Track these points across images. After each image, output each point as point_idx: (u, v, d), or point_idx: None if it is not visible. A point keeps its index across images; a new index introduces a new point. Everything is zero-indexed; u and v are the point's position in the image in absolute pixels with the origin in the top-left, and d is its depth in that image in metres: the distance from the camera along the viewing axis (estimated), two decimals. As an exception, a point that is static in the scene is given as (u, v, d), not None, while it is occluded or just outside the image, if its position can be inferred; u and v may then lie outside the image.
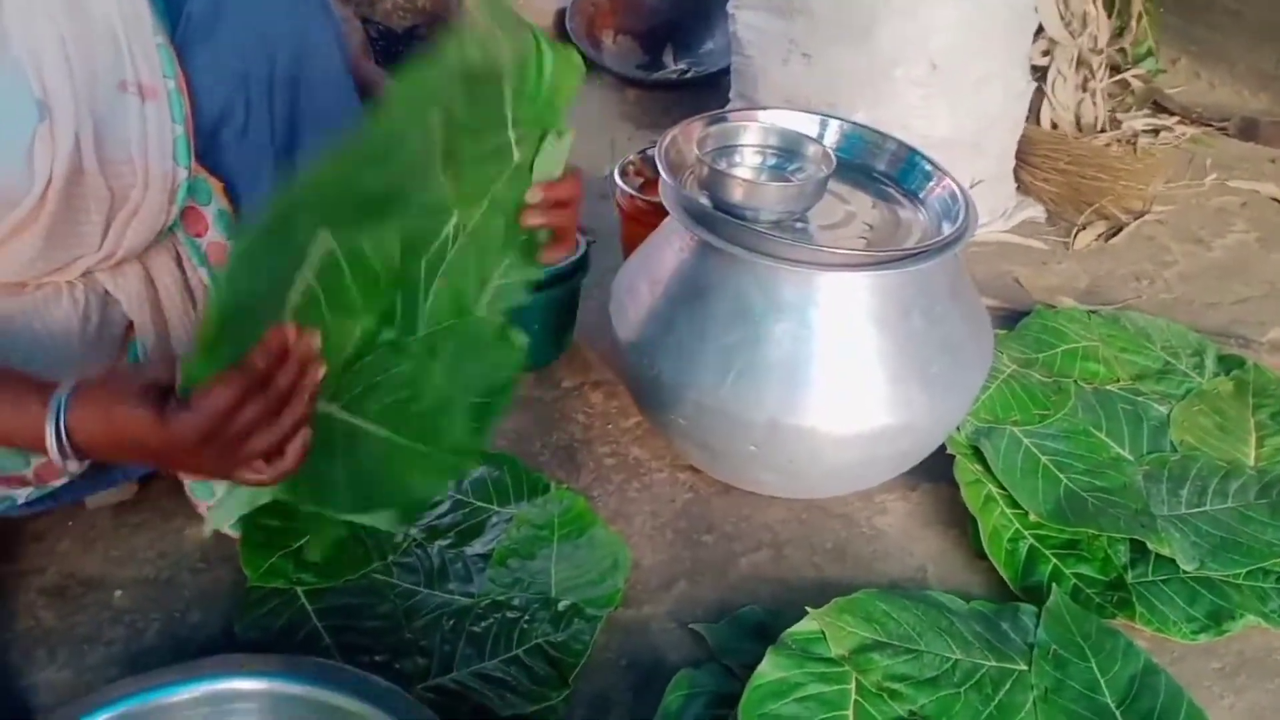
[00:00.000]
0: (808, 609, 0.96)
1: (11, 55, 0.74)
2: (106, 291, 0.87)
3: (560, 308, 1.37)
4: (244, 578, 1.03)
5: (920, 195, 1.12)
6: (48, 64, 0.75)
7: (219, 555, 1.08)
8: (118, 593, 1.03)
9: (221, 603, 1.03)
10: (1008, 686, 0.91)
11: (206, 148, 0.88)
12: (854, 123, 1.18)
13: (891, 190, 1.15)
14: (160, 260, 0.89)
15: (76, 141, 0.77)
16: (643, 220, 1.39)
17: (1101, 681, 0.92)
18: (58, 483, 0.88)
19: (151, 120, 0.81)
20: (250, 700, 0.83)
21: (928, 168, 1.12)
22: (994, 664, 0.93)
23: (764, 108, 1.31)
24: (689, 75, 2.44)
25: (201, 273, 0.91)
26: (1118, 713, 0.90)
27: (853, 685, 0.90)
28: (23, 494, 0.87)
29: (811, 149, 1.11)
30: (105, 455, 0.73)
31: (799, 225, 1.07)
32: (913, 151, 1.14)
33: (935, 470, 1.17)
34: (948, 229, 1.04)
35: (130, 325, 0.90)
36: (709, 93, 2.20)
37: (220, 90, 0.87)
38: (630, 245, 1.46)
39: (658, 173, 1.50)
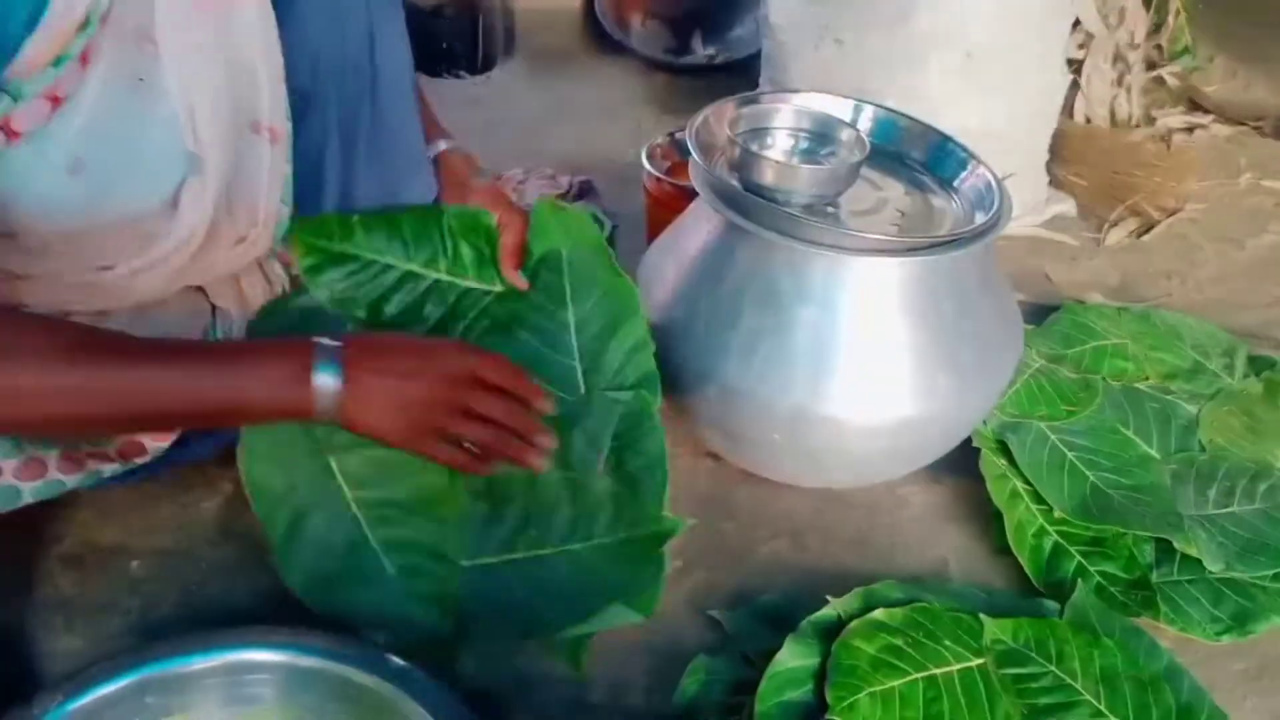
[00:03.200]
0: (828, 598, 0.96)
1: (167, 109, 0.75)
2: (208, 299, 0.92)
3: (584, 290, 1.36)
4: (260, 553, 1.03)
5: (954, 184, 1.11)
6: (201, 113, 0.76)
7: (236, 529, 1.08)
8: (135, 563, 1.03)
9: (238, 576, 1.03)
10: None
11: None
12: (888, 108, 1.17)
13: (924, 178, 1.13)
14: (253, 274, 0.95)
15: (219, 191, 0.79)
16: (669, 204, 1.38)
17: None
18: (140, 460, 0.91)
19: (276, 162, 0.82)
20: (266, 671, 0.82)
21: (962, 156, 1.11)
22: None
23: (795, 90, 1.29)
24: (717, 61, 2.42)
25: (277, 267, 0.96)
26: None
27: (872, 676, 0.89)
28: (108, 469, 0.90)
29: (845, 133, 1.09)
30: (371, 377, 0.79)
31: (830, 210, 1.05)
32: (947, 139, 1.12)
33: (959, 464, 1.16)
34: (981, 218, 1.03)
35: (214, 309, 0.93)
36: (737, 78, 2.19)
37: (292, 71, 0.87)
38: (656, 229, 1.45)
39: (685, 156, 1.49)
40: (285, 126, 0.82)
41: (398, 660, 0.81)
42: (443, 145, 1.08)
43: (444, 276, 0.98)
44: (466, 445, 0.84)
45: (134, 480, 0.99)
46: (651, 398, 0.98)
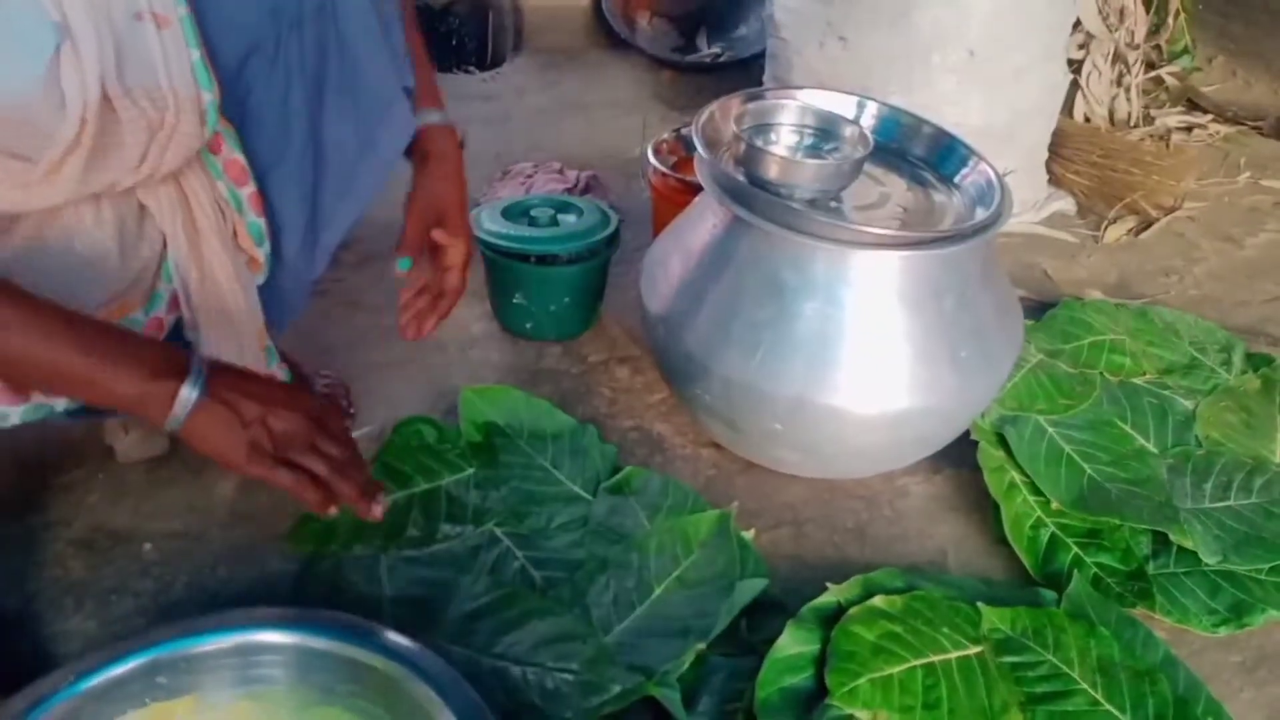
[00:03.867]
0: (828, 585, 0.97)
1: None
2: (141, 207, 0.89)
3: (590, 281, 1.38)
4: (271, 534, 1.05)
5: (955, 180, 1.12)
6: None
7: (248, 511, 1.09)
8: (146, 546, 1.05)
9: (249, 559, 1.04)
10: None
11: (235, 76, 0.88)
12: (891, 105, 1.18)
13: (926, 174, 1.15)
14: (192, 174, 0.90)
15: (100, 69, 0.77)
16: (674, 199, 1.40)
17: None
18: None
19: (170, 47, 0.81)
20: (277, 653, 0.84)
21: (964, 152, 1.12)
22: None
23: (799, 87, 1.31)
24: (722, 59, 2.44)
25: (221, 186, 0.93)
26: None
27: (872, 662, 0.90)
28: (60, 404, 0.88)
29: (848, 130, 1.11)
30: (227, 401, 0.84)
31: (833, 205, 1.07)
32: (949, 136, 1.14)
33: (958, 455, 1.17)
34: (982, 214, 1.04)
35: (164, 244, 0.91)
36: (742, 77, 2.21)
37: (250, 20, 0.88)
38: (661, 224, 1.47)
39: (690, 152, 1.51)
40: (174, 12, 0.80)
41: (405, 641, 0.83)
42: (434, 118, 1.06)
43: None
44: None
45: (83, 418, 0.96)
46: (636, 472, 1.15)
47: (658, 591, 0.99)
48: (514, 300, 1.36)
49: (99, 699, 0.78)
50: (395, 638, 0.83)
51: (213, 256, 0.93)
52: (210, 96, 0.85)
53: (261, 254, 0.97)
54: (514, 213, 1.38)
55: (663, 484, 1.13)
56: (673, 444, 1.23)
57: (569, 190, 1.70)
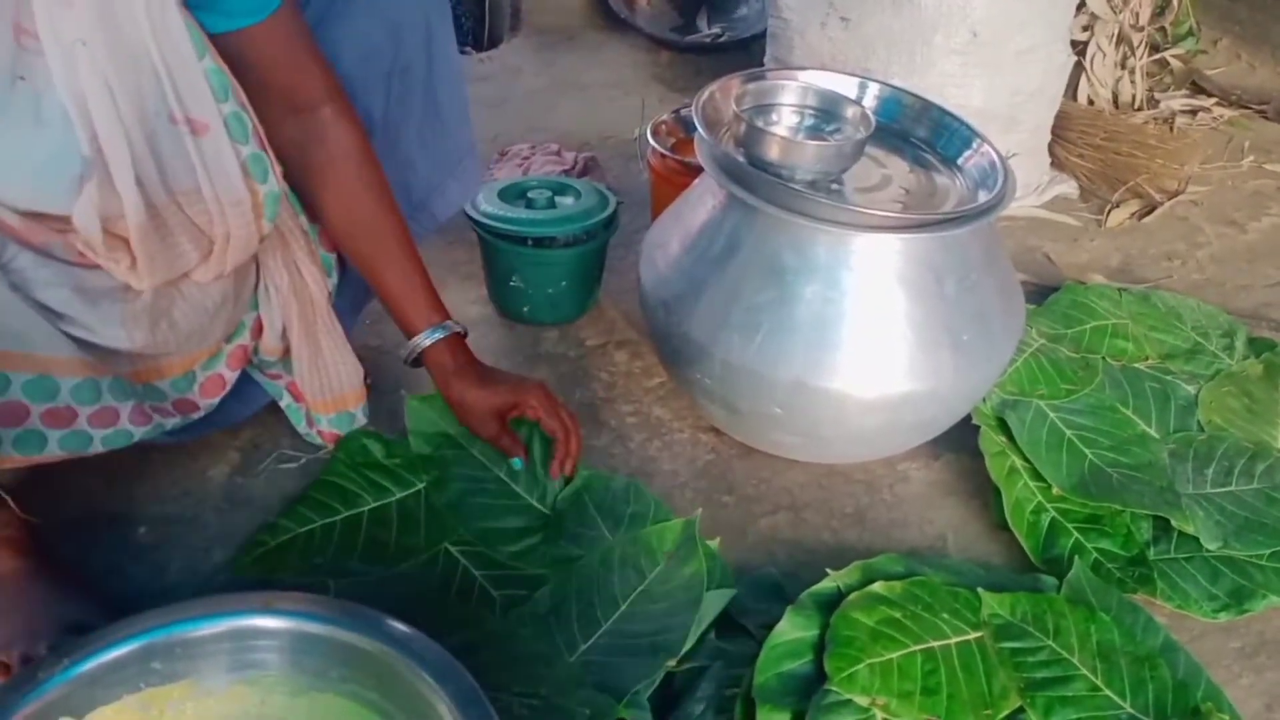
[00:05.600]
0: (827, 571, 0.96)
1: (54, 108, 0.73)
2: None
3: (588, 264, 1.37)
4: (266, 520, 1.04)
5: (958, 162, 1.11)
6: (96, 113, 0.74)
7: (242, 497, 1.09)
8: (141, 529, 1.04)
9: (243, 543, 1.03)
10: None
11: None
12: (893, 86, 1.17)
13: (929, 156, 1.13)
14: (286, 214, 0.96)
15: (139, 181, 0.78)
16: (674, 180, 1.38)
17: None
18: (195, 415, 0.98)
19: (209, 153, 0.81)
20: (272, 638, 0.83)
21: (966, 134, 1.11)
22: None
23: (801, 67, 1.29)
24: (722, 39, 2.42)
25: (303, 220, 1.00)
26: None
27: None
28: (170, 423, 0.95)
29: (850, 110, 1.09)
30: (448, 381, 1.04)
31: (834, 187, 1.06)
32: (952, 117, 1.12)
33: (958, 440, 1.16)
34: (984, 196, 1.03)
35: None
36: (742, 57, 2.19)
37: (343, 66, 0.93)
38: (660, 205, 1.46)
39: (690, 133, 1.49)
40: (215, 113, 0.80)
41: (400, 626, 0.82)
42: (438, 334, 1.03)
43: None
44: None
45: (188, 436, 1.05)
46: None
47: (623, 608, 0.94)
48: (510, 284, 1.35)
49: (92, 684, 0.77)
50: (392, 623, 0.82)
51: (306, 287, 1.01)
52: (268, 189, 0.86)
53: (330, 284, 1.04)
54: (511, 194, 1.37)
55: (624, 488, 1.08)
56: (670, 428, 1.23)
57: (566, 172, 1.69)
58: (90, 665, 0.77)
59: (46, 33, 0.71)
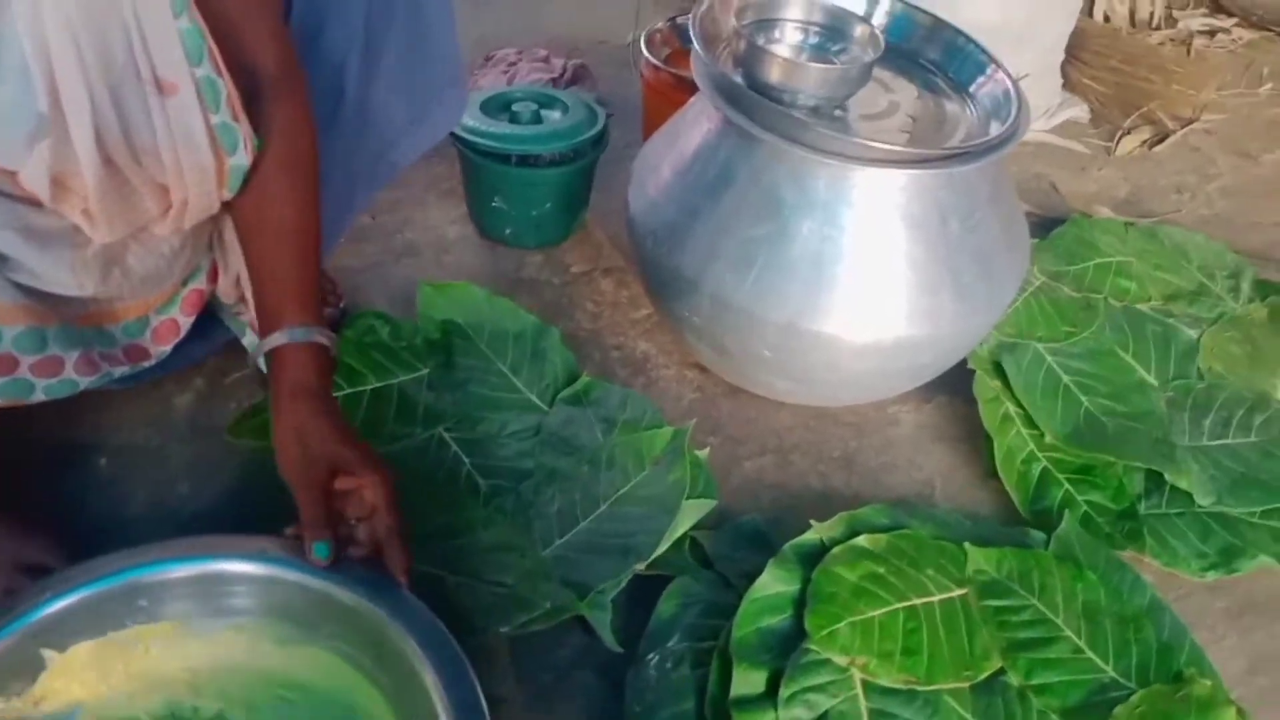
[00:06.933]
0: (811, 522, 0.93)
1: (16, 60, 0.67)
2: None
3: (573, 185, 1.30)
4: (233, 450, 1.00)
5: (970, 89, 1.04)
6: (59, 64, 0.68)
7: (209, 426, 1.04)
8: (102, 460, 1.00)
9: (210, 475, 1.00)
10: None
11: (295, 31, 0.86)
12: (905, 3, 1.08)
13: (939, 81, 1.06)
14: None
15: (99, 137, 0.72)
16: (668, 95, 1.31)
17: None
18: (146, 364, 0.93)
19: (174, 116, 0.74)
20: (242, 583, 0.80)
21: (981, 59, 1.03)
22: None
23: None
24: (721, -64, 2.28)
25: None
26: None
27: (853, 603, 0.87)
28: (118, 371, 0.89)
29: (859, 29, 1.02)
30: (281, 407, 0.80)
31: (838, 113, 0.99)
32: (966, 39, 1.05)
33: (951, 383, 1.12)
34: (996, 129, 0.96)
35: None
36: (743, -43, 2.06)
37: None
38: (652, 121, 1.38)
39: (686, 44, 1.40)
40: (186, 75, 0.73)
41: (374, 574, 0.79)
42: (297, 334, 0.82)
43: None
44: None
45: (138, 382, 0.99)
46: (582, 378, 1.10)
47: (603, 507, 0.96)
48: (493, 204, 1.28)
49: (75, 617, 0.75)
50: (362, 571, 0.79)
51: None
52: (235, 161, 0.79)
53: None
54: (494, 107, 1.29)
55: (621, 396, 1.08)
56: (656, 364, 1.18)
57: (554, 81, 1.60)
58: (74, 598, 0.75)
59: None
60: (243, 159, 0.80)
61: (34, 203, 0.76)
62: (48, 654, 0.74)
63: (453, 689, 0.70)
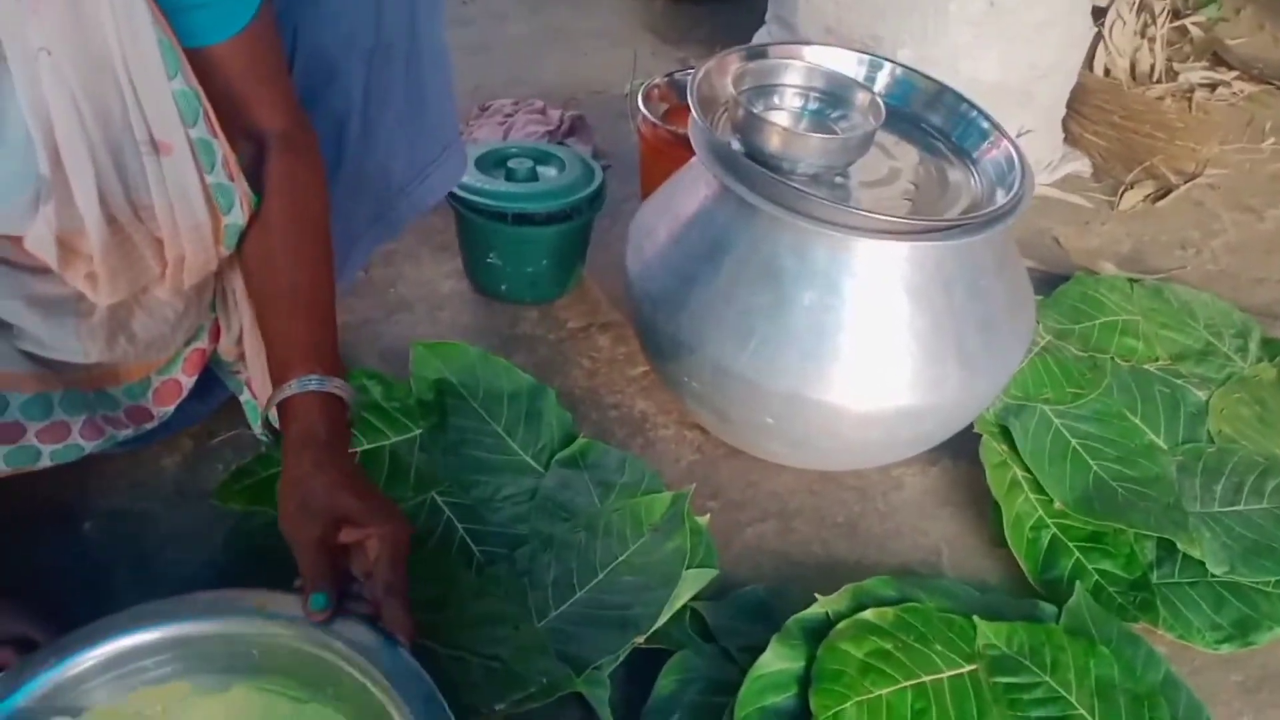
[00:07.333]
0: (816, 595, 0.91)
1: (14, 134, 0.68)
2: None
3: (570, 242, 1.28)
4: (221, 514, 0.97)
5: (973, 155, 1.03)
6: (59, 125, 0.68)
7: (195, 489, 1.02)
8: (86, 525, 0.98)
9: (197, 540, 0.97)
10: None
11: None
12: (906, 67, 1.08)
13: (941, 146, 1.05)
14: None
15: (102, 197, 0.72)
16: (666, 152, 1.30)
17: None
18: (149, 426, 0.92)
19: (170, 175, 0.74)
20: (245, 642, 0.76)
21: (984, 125, 1.02)
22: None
23: (806, 42, 1.20)
24: (721, -12, 2.30)
25: None
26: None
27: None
28: (122, 434, 0.89)
29: (860, 96, 1.01)
30: (291, 451, 0.78)
31: (838, 180, 0.98)
32: (970, 106, 1.04)
33: (956, 445, 1.10)
34: (1000, 196, 0.95)
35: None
36: (741, 11, 2.06)
37: (324, 44, 0.87)
38: (650, 177, 1.37)
39: (684, 100, 1.40)
40: (180, 135, 0.73)
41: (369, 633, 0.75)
42: (311, 384, 0.79)
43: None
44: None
45: (141, 445, 0.99)
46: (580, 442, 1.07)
47: (601, 576, 0.93)
48: (488, 260, 1.27)
49: (82, 682, 0.73)
50: (388, 650, 0.75)
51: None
52: (231, 220, 0.79)
53: None
54: (489, 163, 1.28)
55: (619, 459, 1.06)
56: (655, 424, 1.16)
57: (551, 133, 1.59)
58: (78, 667, 0.73)
59: (9, 39, 0.65)
60: (238, 217, 0.80)
61: (38, 270, 0.76)
62: None
63: None
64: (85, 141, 0.69)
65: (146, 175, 0.73)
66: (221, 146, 0.76)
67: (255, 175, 0.81)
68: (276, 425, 0.81)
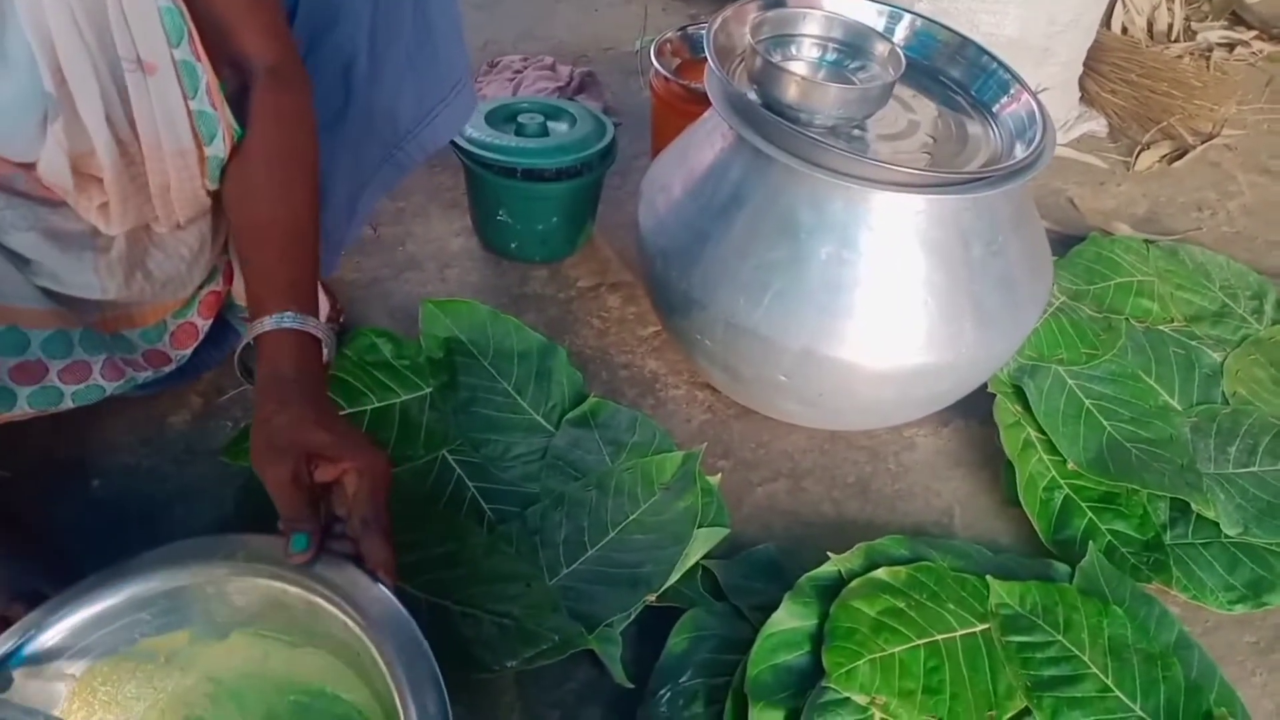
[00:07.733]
0: (829, 553, 0.90)
1: (18, 54, 0.67)
2: None
3: (580, 199, 1.27)
4: (229, 471, 0.97)
5: (993, 109, 1.01)
6: (61, 43, 0.67)
7: (204, 446, 1.01)
8: (95, 482, 0.97)
9: (205, 497, 0.97)
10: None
11: (300, 35, 0.85)
12: (926, 18, 1.05)
13: (961, 100, 1.03)
14: None
15: (107, 115, 0.71)
16: (678, 107, 1.28)
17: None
18: (166, 369, 0.92)
19: (156, 96, 0.73)
20: (238, 588, 0.74)
21: (1005, 78, 1.00)
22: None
23: (824, -9, 1.17)
24: (731, -57, 2.25)
25: None
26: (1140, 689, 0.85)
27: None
28: (141, 376, 0.89)
29: (879, 47, 0.99)
30: (262, 389, 0.74)
31: (856, 132, 0.96)
32: (991, 58, 1.02)
33: (968, 405, 1.09)
34: (1020, 151, 0.93)
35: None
36: (753, -35, 2.03)
37: None
38: (661, 133, 1.35)
39: (696, 54, 1.38)
40: (165, 55, 0.72)
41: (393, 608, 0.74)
42: (287, 320, 0.76)
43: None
44: None
45: (159, 388, 1.00)
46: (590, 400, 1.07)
47: (612, 534, 0.93)
48: (497, 217, 1.25)
49: (85, 636, 0.72)
50: (385, 603, 0.75)
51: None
52: (213, 151, 0.77)
53: None
54: (499, 118, 1.26)
55: (630, 418, 1.05)
56: (665, 384, 1.15)
57: (561, 89, 1.57)
58: (78, 620, 0.72)
59: None
60: (220, 149, 0.78)
61: (53, 203, 0.76)
62: (63, 682, 0.71)
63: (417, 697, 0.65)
64: (88, 57, 0.68)
65: (138, 97, 0.72)
66: (206, 72, 0.74)
67: (241, 109, 0.79)
68: (252, 369, 0.77)
